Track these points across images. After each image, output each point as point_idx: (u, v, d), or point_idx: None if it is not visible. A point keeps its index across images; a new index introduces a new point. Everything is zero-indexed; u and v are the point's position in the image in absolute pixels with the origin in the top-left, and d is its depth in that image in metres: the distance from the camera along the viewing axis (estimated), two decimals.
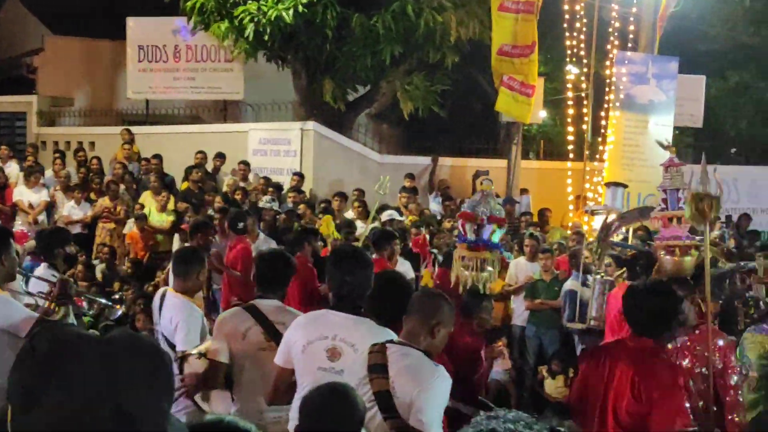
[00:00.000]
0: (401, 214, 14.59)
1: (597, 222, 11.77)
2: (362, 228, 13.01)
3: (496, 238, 7.45)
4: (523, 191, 18.41)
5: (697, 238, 7.37)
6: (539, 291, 11.78)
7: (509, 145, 19.01)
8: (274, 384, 4.99)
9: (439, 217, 15.89)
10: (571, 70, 18.01)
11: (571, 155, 17.25)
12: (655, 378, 4.90)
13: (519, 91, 15.91)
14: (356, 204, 14.85)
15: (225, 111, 21.29)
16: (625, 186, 12.09)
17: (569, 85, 17.16)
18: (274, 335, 5.40)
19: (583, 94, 17.61)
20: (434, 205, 17.29)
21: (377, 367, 4.38)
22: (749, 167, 20.19)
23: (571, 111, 17.36)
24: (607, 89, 17.19)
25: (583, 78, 17.74)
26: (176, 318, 6.01)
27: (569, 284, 11.49)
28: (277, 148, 17.96)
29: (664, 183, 7.75)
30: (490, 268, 7.49)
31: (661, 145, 8.39)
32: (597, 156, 17.13)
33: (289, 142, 17.84)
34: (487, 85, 18.44)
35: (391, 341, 4.53)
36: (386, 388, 4.30)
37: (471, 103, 21.99)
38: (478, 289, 7.30)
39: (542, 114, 20.89)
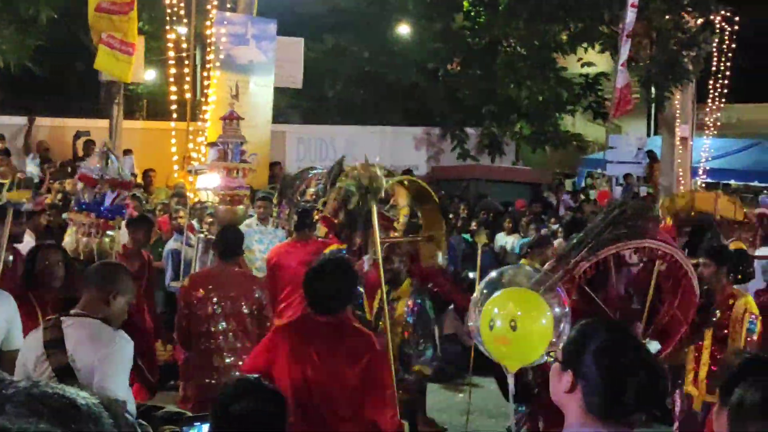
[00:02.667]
0: None
1: (200, 182, 11.82)
2: None
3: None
4: (127, 152, 18.02)
5: None
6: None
7: (111, 104, 18.52)
8: None
9: (36, 180, 15.15)
10: (178, 30, 17.83)
11: (174, 115, 17.14)
12: (348, 353, 4.83)
13: (119, 50, 15.46)
14: None
15: None
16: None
17: (171, 45, 16.97)
18: None
19: (185, 54, 17.53)
20: (32, 168, 16.45)
21: (53, 342, 4.28)
22: (346, 127, 21.31)
23: (173, 71, 17.21)
24: (208, 49, 17.27)
25: (185, 38, 17.66)
26: None
27: (171, 244, 11.53)
28: None
29: (226, 136, 7.93)
30: (111, 233, 7.25)
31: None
32: (200, 116, 17.17)
33: None
34: (90, 43, 17.77)
35: (67, 313, 4.43)
36: (66, 362, 4.23)
37: (72, 62, 21.04)
38: (104, 257, 7.04)
39: (150, 73, 20.57)
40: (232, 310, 6.88)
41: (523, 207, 17.32)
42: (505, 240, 14.47)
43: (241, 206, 7.62)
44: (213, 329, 6.84)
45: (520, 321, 4.30)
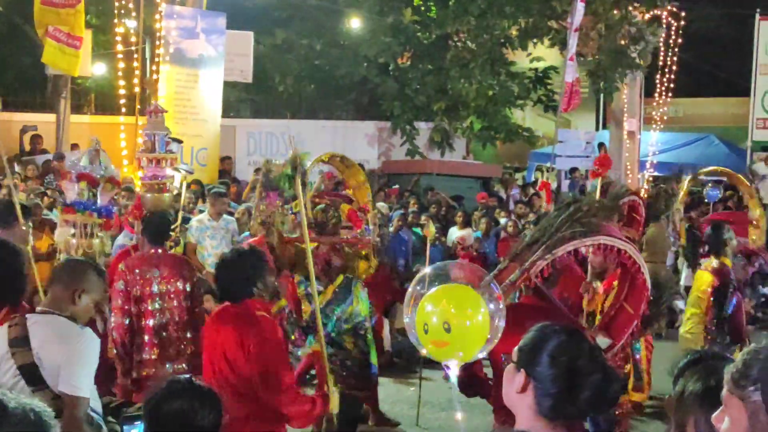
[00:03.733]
0: None
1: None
2: None
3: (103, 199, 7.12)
4: (74, 146, 17.82)
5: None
6: None
7: (58, 98, 18.30)
8: None
9: None
10: (127, 24, 17.65)
11: (123, 109, 16.97)
12: (241, 339, 5.07)
13: (66, 43, 15.28)
14: None
15: None
16: (180, 141, 12.17)
17: (119, 38, 16.80)
18: None
19: (134, 48, 17.37)
20: None
21: (18, 340, 4.21)
22: (296, 121, 21.25)
23: (122, 65, 17.04)
24: (158, 43, 17.13)
25: (133, 31, 17.50)
26: None
27: (121, 240, 11.42)
28: None
29: (149, 128, 8.04)
30: (101, 234, 7.16)
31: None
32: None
33: None
34: (35, 36, 17.52)
35: (33, 311, 4.40)
36: (31, 360, 4.15)
37: (17, 55, 20.75)
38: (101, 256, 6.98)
39: (100, 67, 20.35)
40: (166, 290, 7.05)
41: (484, 199, 17.42)
42: (458, 234, 14.54)
43: (166, 194, 7.82)
44: (150, 308, 7.01)
45: (454, 320, 4.26)
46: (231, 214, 12.13)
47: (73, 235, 6.97)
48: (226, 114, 18.72)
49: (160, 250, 7.18)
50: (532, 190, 19.43)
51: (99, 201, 7.18)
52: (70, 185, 7.14)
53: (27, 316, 4.38)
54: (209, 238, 11.04)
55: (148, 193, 7.64)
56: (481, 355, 4.44)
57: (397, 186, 18.02)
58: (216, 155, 17.77)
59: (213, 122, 17.58)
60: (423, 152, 22.02)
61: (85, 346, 4.32)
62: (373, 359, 8.09)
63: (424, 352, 4.50)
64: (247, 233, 10.97)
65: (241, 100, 22.53)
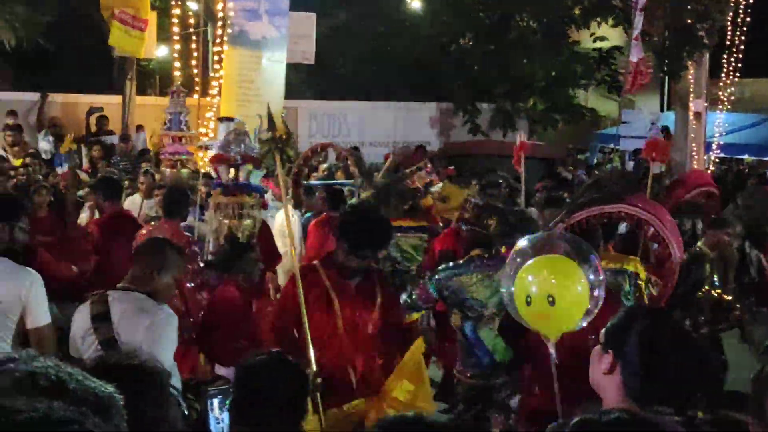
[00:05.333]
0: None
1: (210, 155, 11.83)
2: None
3: (255, 179, 7.15)
4: (139, 128, 18.06)
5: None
6: None
7: (124, 80, 18.54)
8: None
9: (49, 156, 15.21)
10: (190, 7, 17.77)
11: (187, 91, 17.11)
12: None
13: (131, 25, 15.51)
14: None
15: None
16: (231, 119, 12.23)
17: (181, 21, 16.94)
18: None
19: (196, 30, 17.49)
20: (44, 144, 16.49)
21: (100, 316, 4.39)
22: (358, 102, 21.26)
23: (185, 47, 17.17)
24: (219, 24, 17.20)
25: (195, 13, 17.60)
26: None
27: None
28: None
29: (170, 108, 8.16)
30: (256, 214, 7.19)
31: None
32: (210, 92, 17.12)
33: None
34: (101, 19, 17.78)
35: (115, 288, 4.54)
36: (111, 335, 4.32)
37: (83, 37, 21.05)
38: (238, 238, 7.00)
39: (163, 49, 20.56)
40: None
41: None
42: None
43: (185, 169, 7.87)
44: None
45: (556, 291, 4.27)
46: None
47: (225, 216, 6.97)
48: (288, 96, 18.78)
49: (174, 224, 7.29)
50: (596, 172, 19.22)
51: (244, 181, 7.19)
52: (224, 169, 7.18)
53: (108, 292, 4.54)
54: (271, 218, 11.13)
55: (168, 169, 7.77)
56: (580, 326, 4.42)
57: (452, 167, 17.92)
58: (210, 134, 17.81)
59: (276, 104, 17.59)
60: (485, 133, 21.89)
61: (162, 322, 4.42)
62: None
63: (524, 323, 4.51)
64: (309, 214, 11.05)
65: (303, 82, 22.58)
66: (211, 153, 11.85)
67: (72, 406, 1.49)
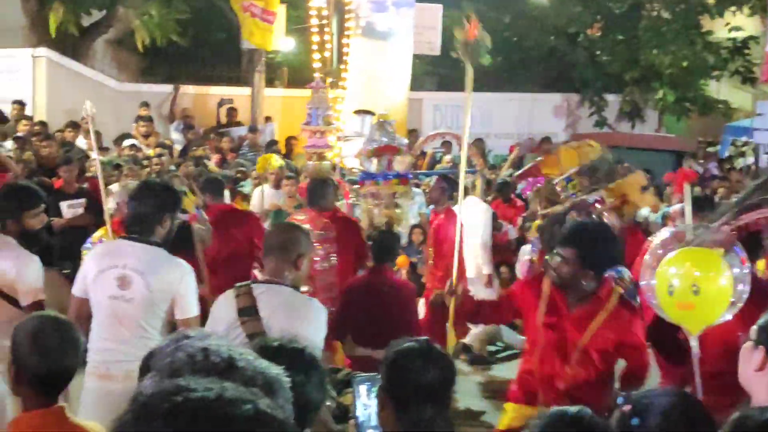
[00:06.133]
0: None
1: (345, 149, 11.93)
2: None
3: (398, 167, 7.31)
4: (268, 119, 18.39)
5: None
6: (283, 217, 11.84)
7: (252, 73, 18.89)
8: (73, 314, 4.82)
9: (180, 147, 15.63)
10: None
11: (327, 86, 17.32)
12: None
13: (260, 18, 15.73)
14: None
15: None
16: (372, 113, 12.36)
17: (313, 12, 17.11)
18: None
19: (323, 23, 17.65)
20: (175, 135, 16.95)
21: (247, 309, 4.33)
22: (483, 94, 21.07)
23: (316, 38, 17.36)
24: (347, 17, 17.33)
25: (320, 5, 17.75)
26: None
27: None
28: (6, 77, 16.84)
29: (312, 103, 9.50)
30: (406, 202, 7.36)
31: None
32: (339, 83, 17.27)
33: (19, 69, 16.79)
34: (230, 12, 18.17)
35: (256, 281, 4.56)
36: (260, 329, 4.24)
37: (213, 30, 21.53)
38: (392, 226, 7.18)
39: (289, 42, 20.85)
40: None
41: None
42: (648, 209, 14.06)
43: (326, 162, 8.69)
44: None
45: (701, 283, 4.17)
46: (417, 186, 12.20)
47: (376, 205, 7.17)
48: (412, 87, 18.80)
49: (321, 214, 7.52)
50: (727, 166, 18.64)
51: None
52: (370, 160, 7.42)
53: (252, 285, 4.47)
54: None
55: (309, 161, 8.07)
56: (723, 320, 4.30)
57: None
58: (403, 128, 17.88)
59: (400, 95, 17.66)
60: (612, 125, 21.46)
61: (314, 316, 4.41)
62: None
63: (665, 316, 4.42)
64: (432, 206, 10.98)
65: (428, 73, 22.56)
66: (346, 145, 12.01)
67: (242, 386, 1.50)
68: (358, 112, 11.99)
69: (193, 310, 4.92)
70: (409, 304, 7.11)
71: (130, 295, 4.76)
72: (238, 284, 4.52)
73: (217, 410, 1.41)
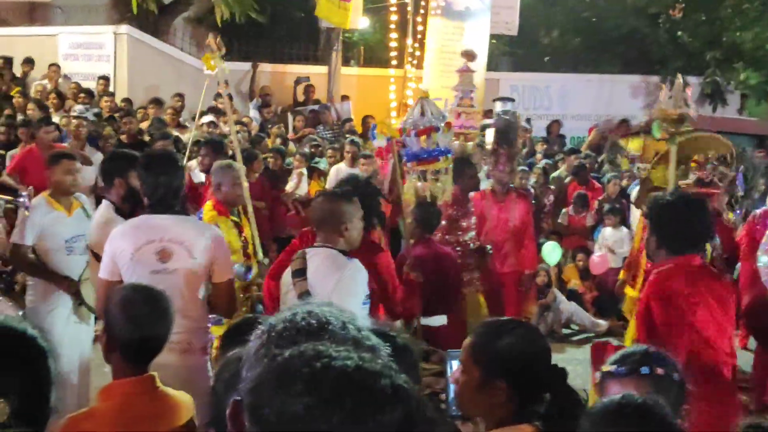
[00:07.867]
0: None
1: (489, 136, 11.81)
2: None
3: (443, 142, 7.44)
4: (344, 98, 18.44)
5: None
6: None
7: (330, 51, 18.95)
8: (102, 297, 4.86)
9: (256, 124, 15.77)
10: None
11: (393, 62, 17.34)
12: None
13: None
14: (169, 110, 14.29)
15: (32, 13, 20.11)
16: (512, 100, 12.36)
17: None
18: None
19: (400, 2, 17.63)
20: (254, 112, 17.10)
21: (299, 272, 4.64)
22: (560, 75, 20.87)
23: (393, 17, 17.36)
24: None
25: None
26: None
27: None
28: (90, 53, 17.15)
29: (458, 86, 10.11)
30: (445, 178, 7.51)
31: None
32: (416, 63, 17.26)
33: (102, 46, 17.10)
34: None
35: (313, 246, 4.82)
36: (306, 288, 4.56)
37: (291, 9, 21.65)
38: (435, 200, 7.35)
39: (364, 21, 20.86)
40: None
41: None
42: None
43: (470, 143, 9.05)
44: None
45: None
46: None
47: (419, 179, 7.32)
48: (488, 67, 18.66)
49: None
50: None
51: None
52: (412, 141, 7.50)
53: (307, 249, 4.77)
54: None
55: (456, 141, 8.34)
56: None
57: None
58: (480, 108, 17.76)
59: (478, 75, 17.51)
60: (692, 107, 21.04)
61: (351, 275, 4.59)
62: None
63: None
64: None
65: (505, 53, 22.39)
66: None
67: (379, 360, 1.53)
68: (496, 100, 12.27)
69: (230, 272, 5.10)
70: (458, 273, 7.46)
71: (173, 267, 4.81)
72: (200, 237, 4.87)
73: (358, 382, 1.44)
